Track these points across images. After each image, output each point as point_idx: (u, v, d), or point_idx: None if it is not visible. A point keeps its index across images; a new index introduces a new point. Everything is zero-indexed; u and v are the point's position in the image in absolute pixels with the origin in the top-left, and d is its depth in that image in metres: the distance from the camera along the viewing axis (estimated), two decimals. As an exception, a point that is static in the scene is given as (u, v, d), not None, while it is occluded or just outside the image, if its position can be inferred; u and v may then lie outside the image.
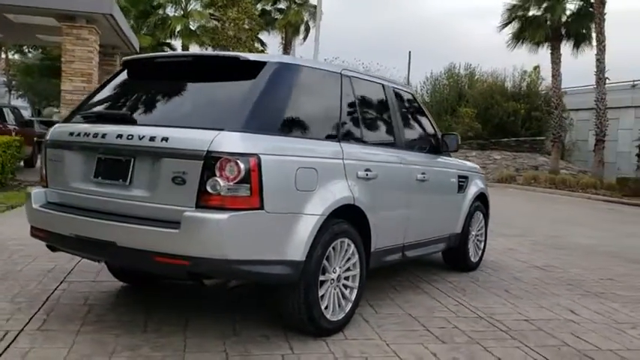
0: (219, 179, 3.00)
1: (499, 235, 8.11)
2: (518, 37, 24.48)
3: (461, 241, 5.54)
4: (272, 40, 54.44)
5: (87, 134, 3.49)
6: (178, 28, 28.25)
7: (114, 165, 3.37)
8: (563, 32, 23.98)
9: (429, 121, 5.29)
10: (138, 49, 17.54)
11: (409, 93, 5.16)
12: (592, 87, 22.78)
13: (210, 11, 28.51)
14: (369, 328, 3.83)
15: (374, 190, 3.98)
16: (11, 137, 11.45)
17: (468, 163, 6.05)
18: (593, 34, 21.92)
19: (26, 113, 24.53)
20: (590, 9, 22.59)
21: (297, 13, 33.41)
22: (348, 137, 3.93)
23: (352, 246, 3.76)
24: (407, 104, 5.00)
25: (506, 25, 24.67)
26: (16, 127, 14.36)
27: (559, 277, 5.78)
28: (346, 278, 3.77)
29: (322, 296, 3.54)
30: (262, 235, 3.16)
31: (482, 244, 6.05)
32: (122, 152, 3.32)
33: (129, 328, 3.57)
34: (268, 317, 3.84)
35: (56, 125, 3.88)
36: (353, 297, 3.82)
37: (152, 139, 3.18)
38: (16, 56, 36.08)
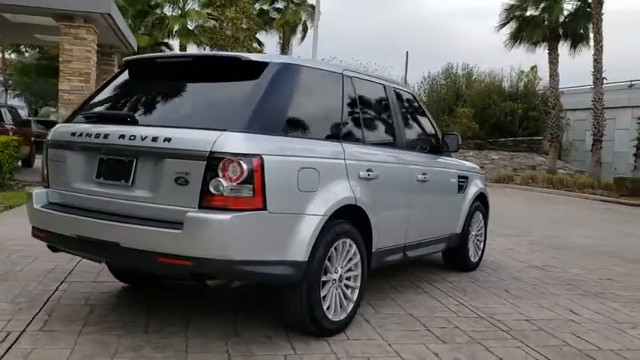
0: (222, 180, 3.00)
1: (498, 235, 8.13)
2: (515, 37, 24.53)
3: (461, 241, 5.55)
4: (269, 40, 54.52)
5: (89, 134, 3.49)
6: (176, 28, 28.18)
7: (116, 165, 3.37)
8: (560, 32, 24.03)
9: (430, 121, 5.30)
10: (136, 49, 17.50)
11: (410, 93, 5.17)
12: (589, 87, 22.85)
13: (208, 11, 28.47)
14: (370, 329, 3.83)
15: (375, 191, 3.98)
16: (9, 137, 11.42)
17: (468, 163, 6.07)
18: (591, 35, 21.97)
19: (23, 113, 24.46)
20: (588, 9, 22.67)
21: (295, 13, 33.39)
22: (349, 137, 3.94)
23: (354, 246, 3.77)
24: (407, 104, 5.01)
25: (504, 25, 24.72)
26: (14, 127, 14.32)
27: (558, 277, 5.80)
28: (348, 278, 3.77)
29: (324, 297, 3.54)
30: (265, 235, 3.16)
31: (482, 244, 6.07)
32: (125, 153, 3.32)
33: (130, 329, 3.56)
34: (270, 318, 3.84)
35: (58, 125, 3.87)
36: (354, 297, 3.82)
37: (155, 139, 3.18)
38: (13, 55, 35.97)
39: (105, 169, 3.42)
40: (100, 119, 3.67)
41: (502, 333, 3.92)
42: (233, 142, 3.04)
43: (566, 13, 24.01)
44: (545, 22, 23.67)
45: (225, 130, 3.07)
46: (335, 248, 3.59)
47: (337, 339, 3.58)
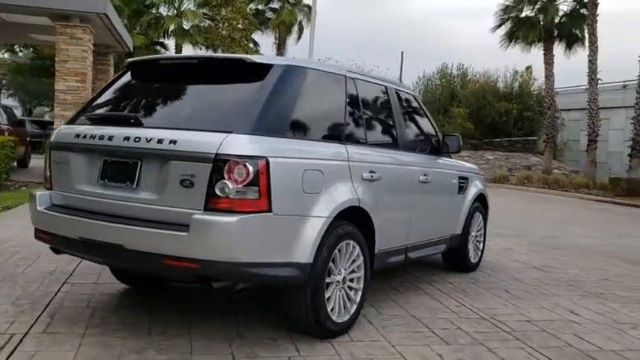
0: (227, 182, 3.00)
1: (495, 235, 8.15)
2: (511, 37, 24.66)
3: (461, 242, 5.57)
4: (265, 40, 54.33)
5: (93, 136, 3.48)
6: (172, 28, 28.11)
7: (121, 167, 3.36)
8: (555, 33, 24.16)
9: (430, 122, 5.31)
10: (132, 49, 17.46)
11: (410, 94, 5.19)
12: (583, 87, 22.99)
13: (204, 11, 28.42)
14: (373, 330, 3.84)
15: (378, 192, 3.99)
16: (5, 137, 11.37)
17: (468, 164, 6.08)
18: (586, 35, 22.09)
19: (17, 113, 24.38)
20: (582, 10, 22.79)
21: (291, 13, 33.40)
22: (353, 139, 3.94)
23: (357, 248, 3.77)
24: (408, 105, 5.02)
25: (499, 25, 24.85)
26: (9, 127, 14.26)
27: (558, 278, 5.83)
28: (351, 280, 3.78)
29: (328, 298, 3.54)
30: (270, 237, 3.16)
31: (482, 244, 6.09)
32: (129, 155, 3.31)
33: (134, 331, 3.55)
34: (274, 319, 3.84)
35: (61, 127, 3.86)
36: (358, 298, 3.83)
37: (160, 141, 3.17)
38: (7, 55, 35.79)
39: (109, 171, 3.42)
40: (104, 121, 3.66)
41: (504, 334, 3.93)
42: (239, 144, 3.04)
43: (561, 13, 24.15)
44: (541, 23, 23.79)
45: (230, 132, 3.07)
46: (339, 250, 3.60)
47: (341, 340, 3.59)
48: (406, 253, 4.56)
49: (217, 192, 3.01)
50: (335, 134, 3.83)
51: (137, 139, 3.26)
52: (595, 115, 21.19)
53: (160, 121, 3.52)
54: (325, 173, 3.49)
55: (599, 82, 21.62)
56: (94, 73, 14.24)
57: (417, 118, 5.16)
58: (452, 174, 5.38)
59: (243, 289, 3.36)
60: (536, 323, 4.21)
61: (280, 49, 34.43)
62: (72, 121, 3.84)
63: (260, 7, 34.49)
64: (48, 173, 3.76)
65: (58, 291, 4.31)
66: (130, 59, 4.04)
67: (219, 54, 5.25)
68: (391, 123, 4.54)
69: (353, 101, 4.05)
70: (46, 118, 31.84)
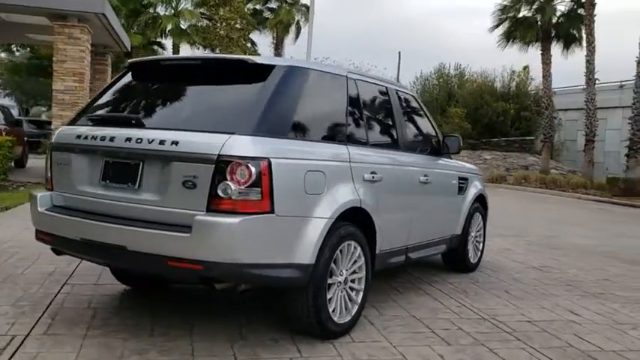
0: (230, 183, 3.00)
1: (494, 235, 8.16)
2: (508, 37, 24.71)
3: (461, 243, 5.58)
4: (263, 40, 54.33)
5: (94, 137, 3.47)
6: (169, 27, 28.07)
7: (122, 168, 3.35)
8: (553, 33, 24.21)
9: (430, 122, 5.32)
10: (129, 49, 17.43)
11: (411, 95, 5.19)
12: (580, 87, 23.04)
13: (202, 10, 28.39)
14: (374, 331, 3.84)
15: (379, 193, 4.00)
16: (3, 137, 11.34)
17: (467, 165, 6.09)
18: (584, 35, 22.14)
19: (14, 112, 24.28)
20: (580, 10, 22.84)
21: (289, 13, 33.39)
22: (354, 140, 3.95)
23: (358, 248, 3.78)
24: (409, 106, 5.03)
25: (497, 26, 24.90)
26: (7, 127, 14.21)
27: (557, 278, 5.84)
28: (352, 281, 3.78)
29: (330, 299, 3.55)
30: (273, 238, 3.16)
31: (481, 245, 6.10)
32: (131, 156, 3.30)
33: (135, 332, 3.55)
34: (275, 320, 3.84)
35: (62, 128, 3.85)
36: (359, 299, 3.83)
37: (162, 142, 3.17)
38: (3, 54, 35.71)
39: (111, 172, 3.41)
40: (106, 122, 3.65)
41: (505, 334, 3.94)
42: (241, 145, 3.04)
43: (558, 13, 24.20)
44: (539, 23, 23.84)
45: (233, 133, 3.07)
46: (340, 251, 3.60)
47: (343, 341, 3.59)
48: (407, 254, 4.56)
49: (220, 193, 3.01)
50: (336, 135, 3.84)
51: (139, 140, 3.25)
52: (593, 115, 21.24)
53: (162, 122, 3.52)
54: (327, 174, 3.49)
55: (597, 82, 21.67)
56: (91, 73, 14.22)
57: (418, 118, 5.17)
58: (452, 174, 5.39)
59: (246, 291, 3.36)
60: (537, 323, 4.22)
61: (278, 48, 34.43)
62: (73, 122, 3.83)
63: (258, 6, 34.48)
64: (49, 174, 3.75)
65: (59, 292, 4.30)
66: (130, 60, 4.04)
67: (222, 55, 5.24)
68: (392, 124, 4.54)
69: (354, 102, 4.05)
70: (43, 117, 31.75)
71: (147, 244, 3.12)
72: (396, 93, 4.72)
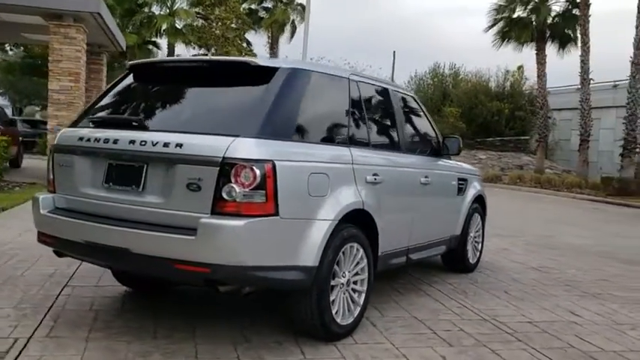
0: (234, 185, 2.99)
1: (492, 235, 8.18)
2: (503, 37, 24.80)
3: (460, 243, 5.60)
4: (258, 40, 54.28)
5: (97, 139, 3.46)
6: (164, 27, 28.01)
7: (126, 171, 3.34)
8: (548, 33, 24.31)
9: (430, 123, 5.34)
10: (124, 48, 17.37)
11: (411, 96, 5.21)
12: (574, 87, 23.16)
13: (197, 10, 28.33)
14: (377, 332, 3.85)
15: (381, 195, 4.00)
16: (-2, 137, 11.28)
17: (466, 166, 6.12)
18: (578, 36, 22.24)
19: (7, 112, 24.15)
20: (575, 11, 22.94)
21: (284, 12, 33.38)
22: (356, 142, 3.95)
23: (361, 250, 3.78)
24: (410, 108, 5.04)
25: (492, 25, 24.98)
26: (1, 127, 14.13)
27: (556, 278, 5.87)
28: (355, 282, 3.79)
29: (333, 301, 3.55)
30: (277, 241, 3.17)
31: (480, 245, 6.12)
32: (135, 158, 3.29)
33: (138, 335, 3.54)
34: (280, 322, 3.84)
35: (64, 130, 3.83)
36: (361, 301, 3.84)
37: (166, 145, 3.17)
38: (-3, 54, 35.51)
39: (114, 175, 3.40)
40: (109, 124, 3.65)
41: (507, 335, 3.96)
42: (246, 147, 3.04)
43: (553, 14, 24.31)
44: (534, 23, 23.93)
45: (237, 135, 3.07)
46: (343, 252, 3.60)
47: (345, 343, 3.60)
48: (408, 255, 4.58)
49: (224, 196, 3.01)
50: (339, 137, 3.84)
51: (143, 143, 3.25)
52: (587, 114, 21.35)
53: (165, 124, 3.50)
54: (330, 176, 3.50)
55: (591, 82, 21.78)
56: (87, 72, 14.16)
57: (418, 120, 5.18)
58: (451, 175, 5.41)
59: (250, 293, 3.36)
60: (538, 324, 4.24)
61: (273, 48, 34.40)
62: (75, 124, 3.82)
63: (253, 6, 34.44)
64: (51, 176, 3.74)
65: (60, 294, 4.29)
66: (132, 62, 4.03)
67: (225, 57, 5.24)
68: (393, 125, 4.56)
69: (356, 104, 4.06)
70: (37, 117, 31.60)
71: (151, 246, 3.12)
72: (397, 94, 4.73)
